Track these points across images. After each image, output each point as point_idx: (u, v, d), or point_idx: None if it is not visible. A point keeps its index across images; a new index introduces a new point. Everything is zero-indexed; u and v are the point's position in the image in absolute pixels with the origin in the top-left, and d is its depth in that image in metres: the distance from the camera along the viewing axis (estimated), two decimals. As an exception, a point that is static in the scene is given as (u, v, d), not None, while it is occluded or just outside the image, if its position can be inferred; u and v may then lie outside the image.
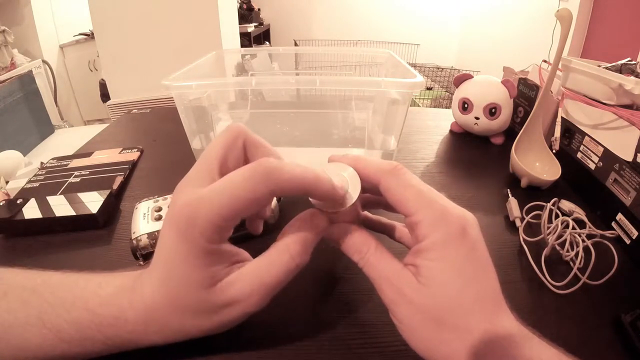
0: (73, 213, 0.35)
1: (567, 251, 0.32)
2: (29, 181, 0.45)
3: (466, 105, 0.56)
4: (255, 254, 0.22)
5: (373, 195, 0.25)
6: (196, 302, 0.20)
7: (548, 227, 0.34)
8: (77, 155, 0.52)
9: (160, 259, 0.21)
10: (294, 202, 0.37)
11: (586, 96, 0.45)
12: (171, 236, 0.20)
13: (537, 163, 0.46)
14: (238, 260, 0.22)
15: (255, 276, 0.21)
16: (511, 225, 0.38)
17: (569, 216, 0.36)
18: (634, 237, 0.34)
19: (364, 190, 0.23)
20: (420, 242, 0.20)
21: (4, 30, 1.58)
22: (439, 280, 0.19)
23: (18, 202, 0.36)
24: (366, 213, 0.27)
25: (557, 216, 0.36)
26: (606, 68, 0.45)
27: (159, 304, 0.20)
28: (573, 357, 0.18)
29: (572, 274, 0.30)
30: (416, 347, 0.20)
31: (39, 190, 0.43)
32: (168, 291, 0.20)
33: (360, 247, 0.22)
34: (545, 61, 0.57)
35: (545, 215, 0.35)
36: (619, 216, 0.37)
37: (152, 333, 0.21)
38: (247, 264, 0.21)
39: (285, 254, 0.21)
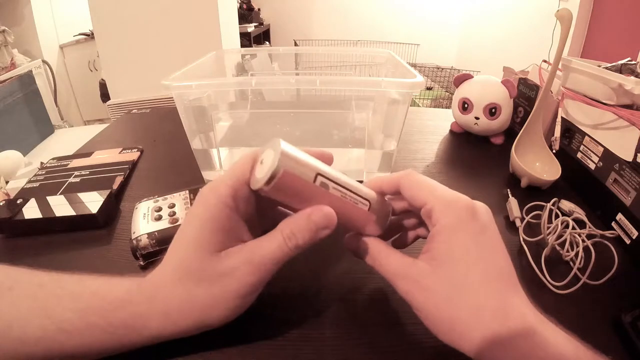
0: (73, 213, 0.35)
1: (567, 251, 0.32)
2: (29, 181, 0.45)
3: (466, 105, 0.56)
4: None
5: (412, 229, 0.27)
6: (200, 265, 0.21)
7: (548, 227, 0.34)
8: (77, 155, 0.52)
9: (179, 232, 0.23)
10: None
11: (586, 96, 0.45)
12: (195, 206, 0.23)
13: (537, 163, 0.46)
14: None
15: (246, 251, 0.22)
16: (511, 225, 0.38)
17: (569, 216, 0.36)
18: (634, 237, 0.34)
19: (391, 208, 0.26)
20: (433, 227, 0.22)
21: (4, 30, 1.58)
22: (448, 260, 0.21)
23: (18, 202, 0.36)
24: None
25: (557, 216, 0.36)
26: (606, 68, 0.45)
27: (167, 271, 0.22)
28: (585, 343, 0.18)
29: (572, 274, 0.30)
30: (436, 332, 0.21)
31: (39, 190, 0.43)
32: (177, 255, 0.22)
33: (370, 251, 0.24)
34: (545, 61, 0.57)
35: (545, 215, 0.35)
36: (619, 216, 0.37)
37: (154, 314, 0.21)
38: (247, 242, 0.23)
39: (278, 235, 0.22)
